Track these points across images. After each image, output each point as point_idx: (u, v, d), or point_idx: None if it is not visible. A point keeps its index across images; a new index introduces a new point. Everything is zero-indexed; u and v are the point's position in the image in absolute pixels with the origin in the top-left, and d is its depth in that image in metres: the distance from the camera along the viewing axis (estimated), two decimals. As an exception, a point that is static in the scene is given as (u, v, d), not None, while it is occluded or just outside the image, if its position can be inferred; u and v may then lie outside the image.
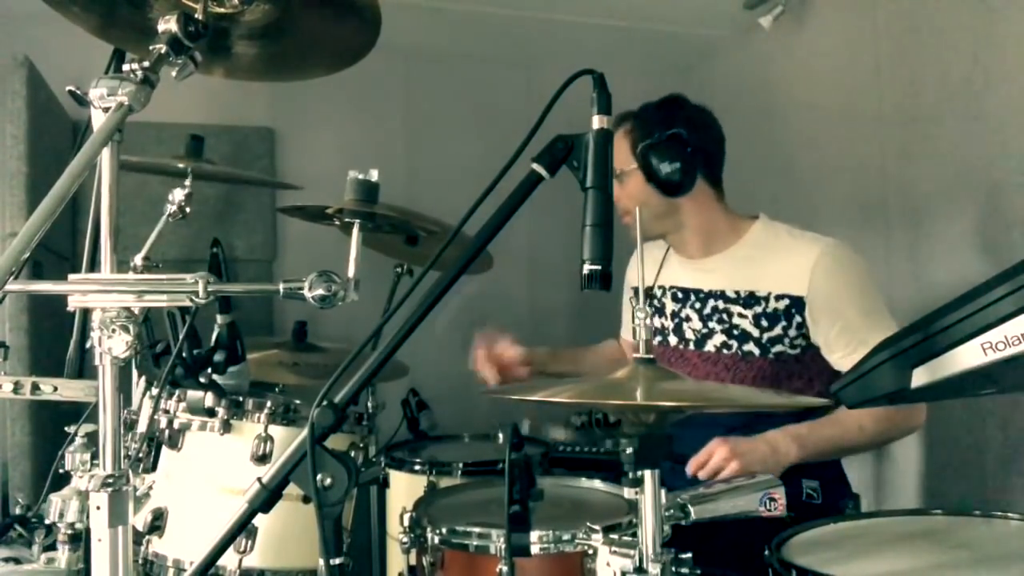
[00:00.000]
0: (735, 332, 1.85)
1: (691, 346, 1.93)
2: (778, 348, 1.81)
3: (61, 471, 1.49)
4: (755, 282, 1.84)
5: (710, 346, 1.89)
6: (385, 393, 2.33)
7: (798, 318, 1.78)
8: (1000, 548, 1.30)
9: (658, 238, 2.00)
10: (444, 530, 1.39)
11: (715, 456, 1.58)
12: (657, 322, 2.00)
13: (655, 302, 2.01)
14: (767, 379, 1.82)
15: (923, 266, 2.26)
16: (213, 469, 1.60)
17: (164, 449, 1.63)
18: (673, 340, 1.97)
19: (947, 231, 2.18)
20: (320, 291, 1.04)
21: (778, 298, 1.80)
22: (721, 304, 1.88)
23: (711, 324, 1.90)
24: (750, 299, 1.84)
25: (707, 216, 1.92)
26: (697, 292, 1.93)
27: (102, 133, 0.95)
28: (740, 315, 1.85)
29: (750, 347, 1.83)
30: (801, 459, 1.66)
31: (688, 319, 1.94)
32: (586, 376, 2.07)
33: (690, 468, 1.59)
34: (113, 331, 0.97)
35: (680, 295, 1.97)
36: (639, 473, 1.07)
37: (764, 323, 1.81)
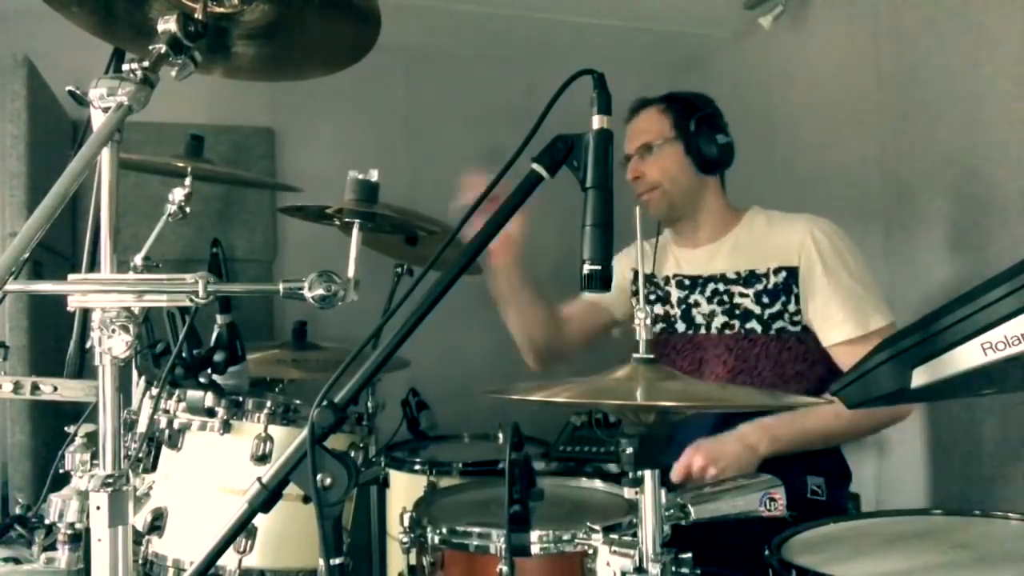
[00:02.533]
0: (737, 312, 1.88)
1: (701, 330, 1.95)
2: (779, 324, 1.83)
3: (61, 471, 1.48)
4: (754, 261, 1.88)
5: (714, 328, 1.92)
6: (385, 393, 2.33)
7: (796, 289, 1.81)
8: (1000, 548, 1.30)
9: (675, 220, 2.01)
10: (444, 530, 1.39)
11: (694, 466, 1.60)
12: (660, 310, 2.01)
13: (659, 291, 2.02)
14: (770, 358, 1.84)
15: (922, 265, 2.26)
16: (213, 469, 1.60)
17: (164, 449, 1.63)
18: (681, 327, 1.99)
19: (946, 230, 2.18)
20: (320, 291, 1.04)
21: (776, 271, 1.83)
22: (722, 287, 1.91)
23: (713, 306, 1.92)
24: (751, 278, 1.87)
25: (718, 204, 1.98)
26: (698, 278, 1.97)
27: (102, 133, 0.95)
28: (741, 294, 1.87)
29: (752, 324, 1.85)
30: (773, 452, 1.67)
31: (697, 304, 1.96)
32: (578, 376, 2.07)
33: (674, 477, 1.61)
34: (113, 331, 0.97)
35: (687, 282, 1.99)
36: (639, 473, 1.07)
37: (765, 299, 1.84)
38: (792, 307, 1.82)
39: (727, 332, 1.89)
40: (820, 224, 1.83)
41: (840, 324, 1.75)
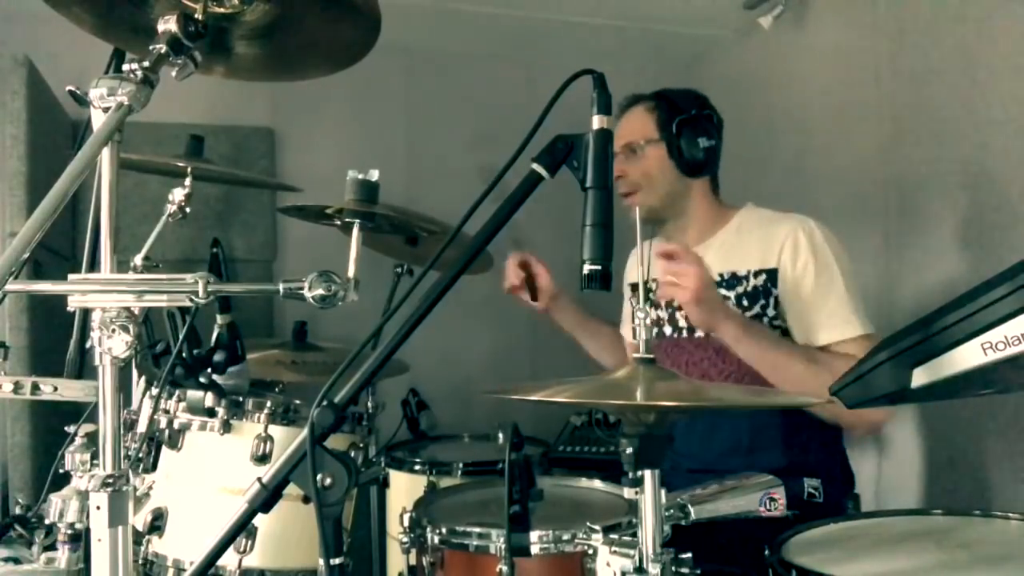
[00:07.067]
0: None
1: (684, 334, 1.94)
2: None
3: (61, 471, 1.48)
4: (737, 263, 1.86)
5: (700, 332, 1.90)
6: (385, 393, 2.33)
7: (774, 291, 1.79)
8: (1000, 548, 1.30)
9: (660, 221, 1.99)
10: (444, 530, 1.39)
11: (683, 262, 1.60)
12: (654, 314, 2.00)
13: (651, 295, 2.01)
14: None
15: (922, 265, 2.26)
16: (213, 469, 1.60)
17: (164, 449, 1.63)
18: (668, 330, 1.98)
19: (946, 230, 2.18)
20: (320, 291, 1.04)
21: (756, 274, 1.82)
22: None
23: None
24: (733, 280, 1.85)
25: (706, 204, 1.96)
26: None
27: (102, 133, 0.95)
28: (724, 297, 1.85)
29: None
30: (733, 338, 1.66)
31: (680, 307, 1.94)
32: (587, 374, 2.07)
33: (657, 249, 1.60)
34: (113, 331, 0.97)
35: None
36: (639, 473, 1.07)
37: (745, 303, 1.82)
38: (771, 311, 1.80)
39: (712, 335, 1.87)
40: (805, 225, 1.79)
41: (809, 331, 1.73)
